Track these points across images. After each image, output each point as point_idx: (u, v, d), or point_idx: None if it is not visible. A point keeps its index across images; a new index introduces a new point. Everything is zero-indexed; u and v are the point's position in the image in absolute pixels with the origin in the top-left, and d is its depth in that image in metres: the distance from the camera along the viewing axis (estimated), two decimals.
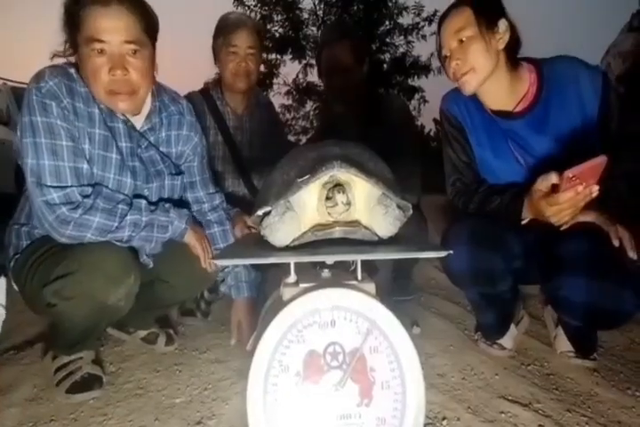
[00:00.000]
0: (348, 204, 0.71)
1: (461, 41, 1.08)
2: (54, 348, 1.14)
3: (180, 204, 1.24)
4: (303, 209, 0.73)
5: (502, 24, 1.08)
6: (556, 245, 1.09)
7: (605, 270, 0.99)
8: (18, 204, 1.17)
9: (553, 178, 0.94)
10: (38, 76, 1.00)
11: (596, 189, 0.90)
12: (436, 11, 8.91)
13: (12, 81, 4.45)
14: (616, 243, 1.00)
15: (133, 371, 1.20)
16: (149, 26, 1.04)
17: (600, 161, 0.86)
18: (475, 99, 1.20)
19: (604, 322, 1.07)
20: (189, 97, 1.54)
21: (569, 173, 0.87)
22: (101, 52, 0.98)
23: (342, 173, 0.70)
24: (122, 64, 0.99)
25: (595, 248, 1.01)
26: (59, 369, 1.11)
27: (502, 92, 1.13)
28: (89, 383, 1.08)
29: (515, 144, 1.17)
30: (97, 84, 1.00)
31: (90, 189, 1.02)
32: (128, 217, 1.03)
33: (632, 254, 1.00)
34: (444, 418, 0.96)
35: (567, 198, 0.91)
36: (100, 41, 0.97)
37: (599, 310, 1.01)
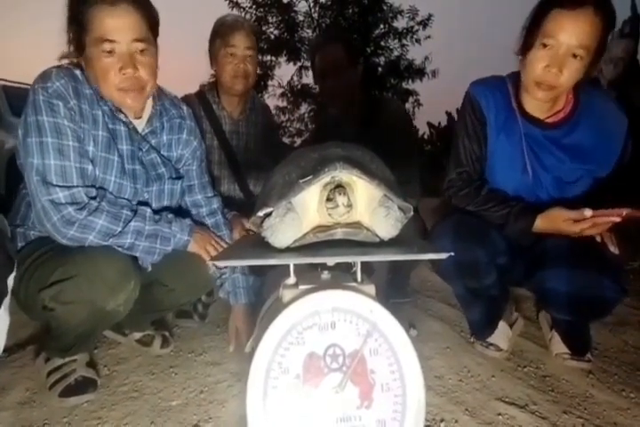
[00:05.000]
0: (349, 206, 0.71)
1: (574, 55, 1.02)
2: (48, 350, 1.13)
3: (180, 209, 1.24)
4: (304, 210, 0.73)
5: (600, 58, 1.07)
6: (539, 241, 1.14)
7: (587, 261, 1.05)
8: (7, 204, 1.15)
9: (588, 213, 1.01)
10: (44, 77, 0.99)
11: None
12: (430, 15, 8.99)
13: (3, 79, 4.39)
14: (598, 238, 1.06)
15: (128, 373, 1.19)
16: (153, 22, 1.05)
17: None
18: (505, 95, 1.21)
19: (589, 311, 1.11)
20: (185, 100, 1.53)
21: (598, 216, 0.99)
22: (111, 51, 0.98)
23: (344, 175, 0.70)
24: (132, 63, 1.00)
25: (576, 242, 1.07)
26: (52, 372, 1.09)
27: (547, 103, 1.15)
28: (83, 387, 1.07)
29: (529, 149, 1.18)
30: (108, 83, 1.00)
31: (94, 191, 1.01)
32: (132, 223, 1.02)
33: (613, 249, 1.06)
34: (442, 420, 0.96)
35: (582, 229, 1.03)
36: (110, 41, 0.97)
37: (583, 299, 1.05)
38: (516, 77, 1.20)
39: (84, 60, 1.02)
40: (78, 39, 0.99)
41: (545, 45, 1.04)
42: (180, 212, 1.23)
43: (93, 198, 1.00)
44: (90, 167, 1.01)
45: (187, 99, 1.58)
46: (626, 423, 0.97)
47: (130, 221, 1.02)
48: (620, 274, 1.06)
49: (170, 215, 1.13)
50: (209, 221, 1.28)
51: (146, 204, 1.12)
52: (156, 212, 1.12)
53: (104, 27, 0.96)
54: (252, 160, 1.66)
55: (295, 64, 9.36)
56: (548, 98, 1.11)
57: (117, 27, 0.97)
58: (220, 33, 1.52)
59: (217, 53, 1.55)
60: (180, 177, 1.22)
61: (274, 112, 9.30)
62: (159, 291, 1.20)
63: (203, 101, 1.62)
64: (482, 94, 1.23)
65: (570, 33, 1.01)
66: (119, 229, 1.00)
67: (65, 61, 1.05)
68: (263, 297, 1.35)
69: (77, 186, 0.98)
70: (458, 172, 1.26)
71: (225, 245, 1.21)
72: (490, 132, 1.22)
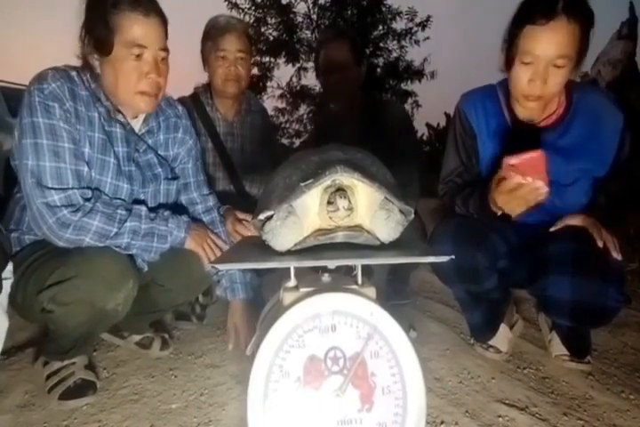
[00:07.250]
0: (350, 209, 0.71)
1: (556, 65, 1.02)
2: (46, 353, 1.12)
3: (176, 208, 1.24)
4: (305, 213, 0.73)
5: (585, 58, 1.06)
6: (541, 246, 1.13)
7: (589, 268, 1.04)
8: (5, 205, 1.14)
9: (501, 171, 0.97)
10: (40, 78, 0.99)
11: (541, 185, 0.91)
12: (429, 16, 9.00)
13: (1, 81, 4.38)
14: (600, 244, 1.05)
15: (128, 376, 1.19)
16: (167, 32, 1.09)
17: (538, 155, 0.90)
18: (495, 102, 1.21)
19: (591, 319, 1.10)
20: (179, 102, 1.53)
21: (508, 161, 0.93)
22: (139, 55, 1.02)
23: (345, 178, 0.70)
24: (158, 69, 1.05)
25: (578, 248, 1.06)
26: (51, 375, 1.09)
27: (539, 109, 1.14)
28: (82, 389, 1.07)
29: None
30: (128, 84, 1.03)
31: (90, 193, 1.01)
32: (127, 223, 1.02)
33: (615, 255, 1.05)
34: (442, 422, 0.96)
35: (510, 187, 0.95)
36: (141, 46, 1.01)
37: (585, 307, 1.04)
38: (506, 85, 1.19)
39: (101, 60, 1.03)
40: (103, 39, 1.01)
41: (524, 62, 1.05)
42: (177, 209, 1.23)
43: (88, 200, 1.00)
44: (85, 169, 1.01)
45: (181, 101, 1.57)
46: (625, 425, 0.97)
47: (125, 221, 1.02)
48: (623, 282, 1.04)
49: (166, 213, 1.13)
50: (205, 219, 1.28)
51: (142, 203, 1.12)
52: (151, 210, 1.12)
53: (136, 33, 1.01)
54: (247, 161, 1.66)
55: (294, 65, 9.36)
56: (540, 107, 1.11)
57: (148, 35, 1.02)
58: (211, 36, 1.50)
59: (208, 56, 1.53)
60: (175, 177, 1.23)
61: (272, 113, 9.31)
62: (156, 291, 1.20)
63: (196, 103, 1.60)
64: (471, 106, 1.23)
65: (546, 48, 1.01)
66: (115, 230, 1.00)
67: (63, 63, 1.06)
68: (263, 298, 1.36)
69: (72, 188, 0.98)
70: (445, 181, 1.30)
71: (221, 243, 1.21)
72: (482, 143, 1.22)
